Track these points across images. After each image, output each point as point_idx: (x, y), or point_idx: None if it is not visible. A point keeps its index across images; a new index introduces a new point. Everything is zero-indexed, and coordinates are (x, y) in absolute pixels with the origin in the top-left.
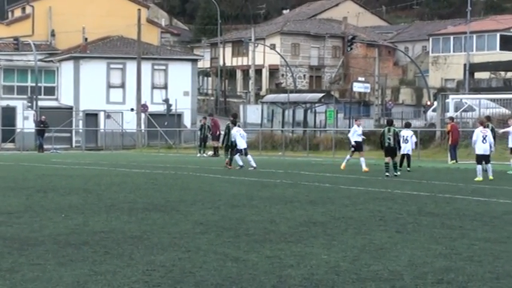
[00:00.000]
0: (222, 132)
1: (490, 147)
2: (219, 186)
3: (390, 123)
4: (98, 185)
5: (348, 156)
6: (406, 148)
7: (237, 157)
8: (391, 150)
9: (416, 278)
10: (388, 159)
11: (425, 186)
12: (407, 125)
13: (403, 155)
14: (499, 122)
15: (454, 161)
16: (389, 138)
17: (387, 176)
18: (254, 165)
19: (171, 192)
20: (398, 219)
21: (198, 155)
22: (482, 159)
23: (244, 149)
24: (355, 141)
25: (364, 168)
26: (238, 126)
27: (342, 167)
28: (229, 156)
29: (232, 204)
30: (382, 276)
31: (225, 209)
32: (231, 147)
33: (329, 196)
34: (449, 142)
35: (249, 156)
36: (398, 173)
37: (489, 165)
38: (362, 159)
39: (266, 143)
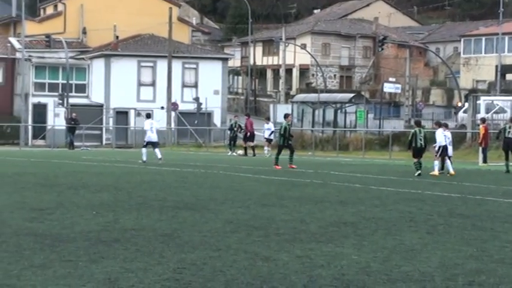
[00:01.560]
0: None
1: None
2: (249, 185)
3: (419, 124)
4: (128, 183)
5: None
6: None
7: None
8: (422, 151)
9: (447, 279)
10: (417, 160)
11: (456, 188)
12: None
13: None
14: None
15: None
16: (420, 139)
17: (419, 174)
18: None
19: (201, 190)
20: (429, 221)
21: (229, 153)
22: None
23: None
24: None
25: (451, 171)
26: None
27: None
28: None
29: (262, 203)
30: (413, 277)
31: (255, 208)
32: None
33: (359, 196)
34: (483, 144)
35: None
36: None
37: None
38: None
39: (296, 142)
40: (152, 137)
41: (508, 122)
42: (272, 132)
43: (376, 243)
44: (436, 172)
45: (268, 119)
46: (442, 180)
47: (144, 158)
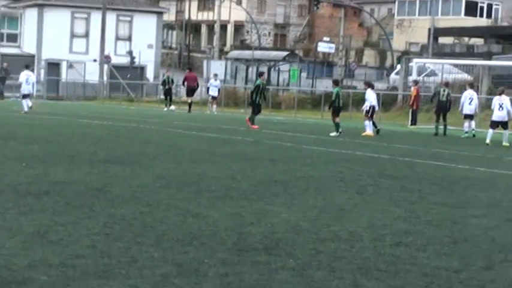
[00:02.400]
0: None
1: (509, 114)
2: (181, 141)
3: (337, 83)
4: (59, 135)
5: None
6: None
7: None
8: (339, 110)
9: (375, 239)
10: (338, 119)
11: (386, 149)
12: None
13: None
14: (461, 87)
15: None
16: (341, 99)
17: (341, 132)
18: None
19: (132, 145)
20: (359, 181)
21: (165, 108)
22: (499, 125)
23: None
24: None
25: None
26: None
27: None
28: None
29: (193, 159)
30: (342, 236)
31: (187, 164)
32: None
33: (290, 155)
34: (414, 106)
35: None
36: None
37: (506, 131)
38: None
39: (229, 99)
40: (25, 89)
41: (441, 85)
42: (219, 89)
43: (306, 202)
44: (368, 132)
45: (216, 75)
46: (372, 141)
47: (25, 109)
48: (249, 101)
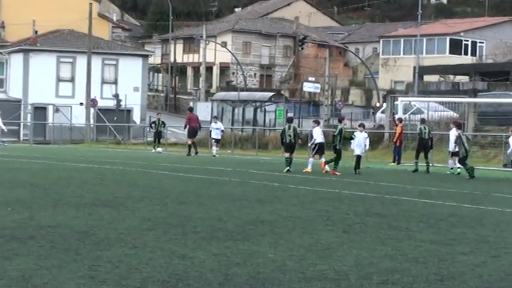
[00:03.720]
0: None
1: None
2: (167, 183)
3: (290, 120)
4: (45, 179)
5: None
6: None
7: None
8: (292, 146)
9: (361, 278)
10: (288, 155)
11: (373, 188)
12: (363, 126)
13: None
14: (447, 125)
15: (397, 163)
16: (290, 135)
17: (289, 170)
18: None
19: (118, 188)
20: (345, 220)
21: (153, 150)
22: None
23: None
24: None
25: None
26: None
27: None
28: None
29: (180, 201)
30: (328, 275)
31: (173, 206)
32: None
33: (277, 195)
34: (397, 143)
35: None
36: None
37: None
38: (311, 160)
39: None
40: None
41: (421, 123)
42: (222, 130)
43: (292, 241)
44: (309, 169)
45: (216, 118)
46: (359, 180)
47: None
48: (333, 146)
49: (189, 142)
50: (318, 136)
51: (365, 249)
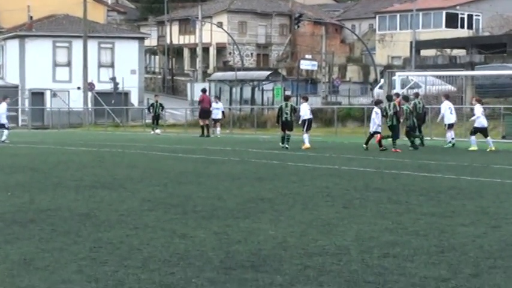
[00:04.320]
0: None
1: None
2: (166, 164)
3: (287, 98)
4: (44, 163)
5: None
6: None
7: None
8: (288, 124)
9: (362, 252)
10: (283, 133)
11: (372, 163)
12: (377, 102)
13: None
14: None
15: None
16: (286, 113)
17: (284, 147)
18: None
19: (118, 170)
20: (345, 195)
21: (152, 132)
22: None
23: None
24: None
25: (307, 144)
26: None
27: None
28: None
29: (179, 181)
30: (329, 251)
31: (173, 186)
32: None
33: (276, 173)
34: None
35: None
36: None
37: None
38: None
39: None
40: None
41: (415, 97)
42: (223, 111)
43: (292, 218)
44: (307, 145)
45: (217, 97)
46: (358, 156)
47: (3, 138)
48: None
49: (201, 123)
50: (306, 112)
51: (365, 224)
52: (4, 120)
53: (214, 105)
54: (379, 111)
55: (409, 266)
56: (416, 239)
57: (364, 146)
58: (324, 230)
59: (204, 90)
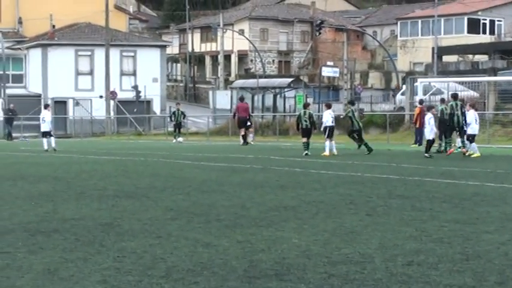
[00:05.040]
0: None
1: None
2: (189, 172)
3: (306, 106)
4: (68, 173)
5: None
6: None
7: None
8: (308, 131)
9: (386, 260)
10: (305, 140)
11: (395, 170)
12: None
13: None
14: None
15: (418, 145)
16: (305, 120)
17: (307, 154)
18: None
19: (141, 178)
20: (369, 203)
21: (174, 140)
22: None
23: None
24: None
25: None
26: None
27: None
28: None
29: (202, 190)
30: (353, 259)
31: (196, 195)
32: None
33: (299, 180)
34: (418, 125)
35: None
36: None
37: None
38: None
39: (236, 128)
40: (42, 127)
41: (441, 103)
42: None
43: (316, 226)
44: (326, 153)
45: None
46: (381, 162)
47: (45, 147)
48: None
49: (242, 133)
50: (328, 119)
51: (389, 231)
52: (50, 128)
53: None
54: (432, 116)
55: (434, 274)
56: (440, 246)
57: (427, 155)
58: (348, 238)
59: (241, 99)
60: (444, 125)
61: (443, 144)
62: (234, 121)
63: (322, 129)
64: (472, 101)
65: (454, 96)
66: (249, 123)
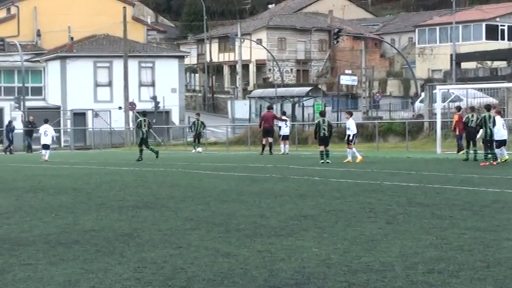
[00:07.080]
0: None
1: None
2: (209, 182)
3: (323, 114)
4: (88, 184)
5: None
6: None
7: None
8: (326, 140)
9: (407, 268)
10: (322, 148)
11: (415, 177)
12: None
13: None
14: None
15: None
16: (324, 129)
17: (326, 162)
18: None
19: (160, 189)
20: (388, 211)
21: (193, 150)
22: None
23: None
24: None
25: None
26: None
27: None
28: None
29: (222, 199)
30: (373, 267)
31: (215, 205)
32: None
33: (319, 189)
34: (457, 132)
35: None
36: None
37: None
38: (354, 150)
39: (255, 138)
40: (43, 140)
41: (468, 111)
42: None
43: (336, 235)
44: (349, 159)
45: (284, 113)
46: (401, 170)
47: (46, 158)
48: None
49: (264, 142)
50: (354, 127)
51: (409, 239)
52: (51, 141)
53: (279, 122)
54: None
55: (455, 282)
56: (461, 254)
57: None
58: (368, 246)
59: (269, 107)
60: (469, 133)
61: (470, 152)
62: (257, 130)
63: (350, 137)
64: (497, 107)
65: (488, 108)
66: (284, 134)
